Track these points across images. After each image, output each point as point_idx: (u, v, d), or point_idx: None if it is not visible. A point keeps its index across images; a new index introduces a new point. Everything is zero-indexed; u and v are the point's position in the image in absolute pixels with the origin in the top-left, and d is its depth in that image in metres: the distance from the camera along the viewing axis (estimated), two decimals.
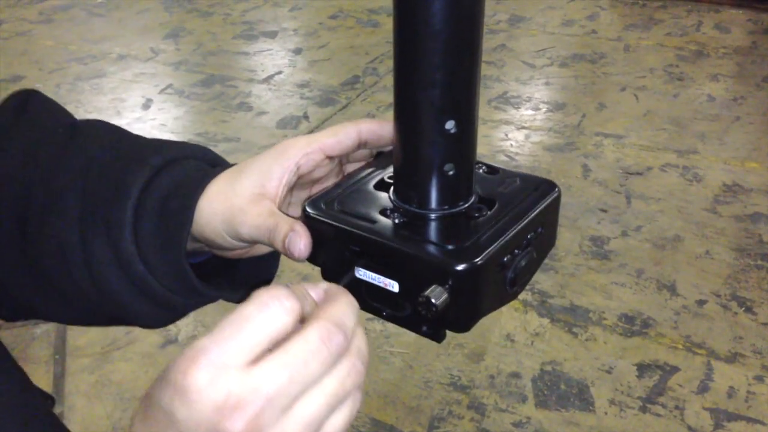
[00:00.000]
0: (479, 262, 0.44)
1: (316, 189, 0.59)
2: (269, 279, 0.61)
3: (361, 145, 0.54)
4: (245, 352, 0.37)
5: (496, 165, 0.54)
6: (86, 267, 0.53)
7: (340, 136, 0.52)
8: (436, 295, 0.44)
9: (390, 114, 0.49)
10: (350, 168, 0.59)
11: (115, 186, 0.53)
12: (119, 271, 0.53)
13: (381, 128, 0.53)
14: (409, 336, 0.43)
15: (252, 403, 0.36)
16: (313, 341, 0.38)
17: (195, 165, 0.55)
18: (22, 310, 0.59)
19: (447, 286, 0.44)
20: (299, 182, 0.54)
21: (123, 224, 0.52)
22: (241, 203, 0.51)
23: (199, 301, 0.56)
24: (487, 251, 0.44)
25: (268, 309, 0.38)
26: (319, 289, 0.44)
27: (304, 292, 0.42)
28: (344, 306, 0.41)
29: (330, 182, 0.58)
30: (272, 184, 0.51)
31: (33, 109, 0.59)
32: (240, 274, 0.61)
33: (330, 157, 0.54)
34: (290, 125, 3.13)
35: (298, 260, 0.50)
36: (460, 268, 0.44)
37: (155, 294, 0.53)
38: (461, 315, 0.46)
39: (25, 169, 0.56)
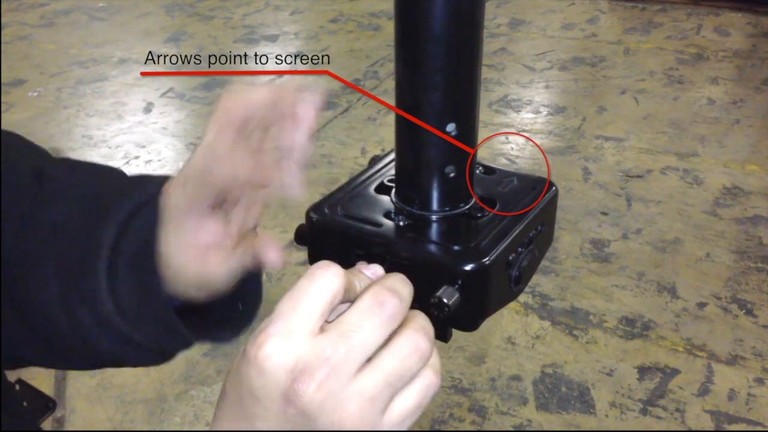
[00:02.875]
0: (487, 262, 0.44)
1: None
2: (254, 308, 0.60)
3: (241, 129, 0.49)
4: (308, 320, 0.41)
5: (492, 165, 0.55)
6: (73, 331, 0.53)
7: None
8: (448, 296, 0.44)
9: (390, 117, 0.50)
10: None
11: (86, 250, 0.52)
12: (105, 334, 0.52)
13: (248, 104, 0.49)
14: None
15: (319, 368, 0.39)
16: (366, 305, 0.41)
17: (152, 215, 0.54)
18: (14, 359, 0.59)
19: (456, 286, 0.44)
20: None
21: (99, 290, 0.51)
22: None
23: (189, 344, 0.56)
24: (494, 251, 0.45)
25: (317, 278, 0.41)
26: (375, 267, 0.46)
27: (357, 270, 0.45)
28: (399, 278, 0.43)
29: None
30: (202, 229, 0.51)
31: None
32: (220, 311, 0.60)
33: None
34: None
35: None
36: (468, 268, 0.44)
37: (146, 347, 0.53)
38: (469, 314, 0.46)
39: None
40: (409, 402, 0.42)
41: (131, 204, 0.53)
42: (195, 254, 0.51)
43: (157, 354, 0.55)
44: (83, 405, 1.77)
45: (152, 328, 0.53)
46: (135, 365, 0.57)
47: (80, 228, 0.54)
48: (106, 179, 0.58)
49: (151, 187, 0.54)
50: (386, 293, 0.41)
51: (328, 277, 0.41)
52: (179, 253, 0.51)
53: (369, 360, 0.41)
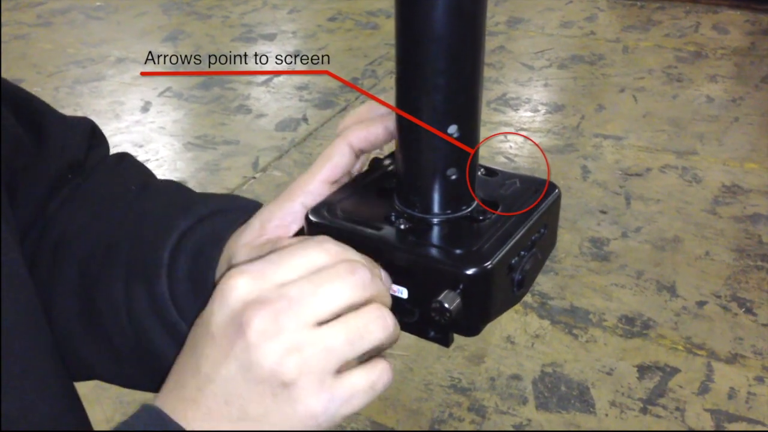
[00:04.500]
0: (489, 266, 0.44)
1: None
2: None
3: (357, 155, 0.53)
4: (284, 275, 0.41)
5: (494, 167, 0.54)
6: (128, 316, 0.54)
7: (335, 158, 0.51)
8: (450, 300, 0.43)
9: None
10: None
11: (161, 231, 0.54)
12: (155, 318, 0.53)
13: (369, 132, 0.51)
14: (409, 338, 0.43)
15: (276, 302, 0.40)
16: (341, 269, 0.42)
17: (234, 217, 0.55)
18: (83, 370, 0.59)
19: (458, 290, 0.44)
20: None
21: (159, 266, 0.52)
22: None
23: None
24: (496, 254, 0.44)
25: (309, 249, 0.43)
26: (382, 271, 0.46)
27: (370, 260, 0.46)
28: (378, 273, 0.44)
29: None
30: (273, 225, 0.51)
31: (120, 169, 0.63)
32: None
33: (335, 181, 0.53)
34: (289, 128, 3.13)
35: None
36: (470, 272, 0.43)
37: None
38: (471, 319, 0.46)
39: (90, 229, 0.57)
40: (363, 379, 0.41)
41: (211, 207, 0.55)
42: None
43: None
44: None
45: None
46: None
47: (158, 217, 0.56)
48: (193, 192, 0.61)
49: (242, 200, 0.57)
50: (360, 266, 0.42)
51: (318, 251, 0.42)
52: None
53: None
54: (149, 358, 0.54)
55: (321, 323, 0.40)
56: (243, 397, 0.40)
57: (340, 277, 0.41)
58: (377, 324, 0.41)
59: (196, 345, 0.42)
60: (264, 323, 0.39)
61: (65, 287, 0.57)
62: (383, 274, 0.46)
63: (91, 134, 0.63)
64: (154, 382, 0.58)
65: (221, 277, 0.42)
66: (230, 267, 0.45)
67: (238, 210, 0.56)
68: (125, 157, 0.64)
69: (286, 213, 0.51)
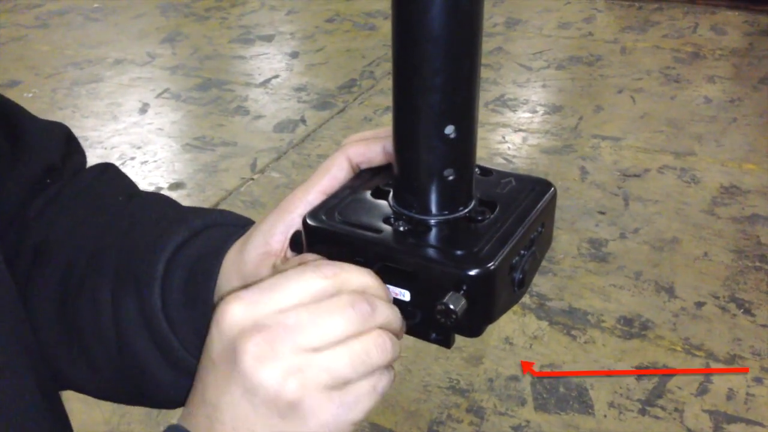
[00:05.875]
0: (493, 267, 0.44)
1: None
2: None
3: (354, 169, 0.53)
4: (279, 300, 0.41)
5: (489, 166, 0.54)
6: (114, 325, 0.53)
7: (333, 170, 0.52)
8: (455, 302, 0.43)
9: (386, 117, 0.49)
10: None
11: (153, 242, 0.54)
12: (143, 329, 0.52)
13: (368, 149, 0.52)
14: (407, 339, 0.43)
15: (272, 329, 0.40)
16: (342, 302, 0.41)
17: (230, 231, 0.55)
18: (56, 379, 0.59)
19: (461, 292, 0.44)
20: None
21: (153, 277, 0.52)
22: (250, 270, 0.51)
23: None
24: (498, 255, 0.44)
25: (306, 273, 0.42)
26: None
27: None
28: (386, 301, 0.44)
29: None
30: (275, 239, 0.51)
31: (105, 178, 0.62)
32: None
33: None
34: (287, 129, 3.13)
35: None
36: (474, 273, 0.43)
37: (177, 359, 0.53)
38: (475, 320, 0.45)
39: (74, 235, 0.57)
40: (364, 383, 0.42)
41: (206, 220, 0.55)
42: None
43: (186, 375, 0.53)
44: (80, 406, 1.76)
45: (189, 335, 0.53)
46: (163, 393, 0.55)
47: (150, 228, 0.55)
48: (183, 206, 0.62)
49: (234, 215, 0.57)
50: (360, 298, 0.42)
51: (315, 277, 0.42)
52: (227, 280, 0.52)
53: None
54: (129, 369, 0.54)
55: (318, 349, 0.40)
56: (250, 421, 0.40)
57: (340, 310, 0.41)
58: (377, 350, 0.42)
59: (200, 373, 0.43)
60: (259, 349, 0.39)
61: (44, 291, 0.56)
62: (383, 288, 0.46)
63: (66, 140, 0.63)
64: (130, 395, 0.57)
65: (220, 300, 0.42)
66: (243, 287, 0.46)
67: (232, 224, 0.56)
68: (110, 167, 0.64)
69: (287, 224, 0.50)
